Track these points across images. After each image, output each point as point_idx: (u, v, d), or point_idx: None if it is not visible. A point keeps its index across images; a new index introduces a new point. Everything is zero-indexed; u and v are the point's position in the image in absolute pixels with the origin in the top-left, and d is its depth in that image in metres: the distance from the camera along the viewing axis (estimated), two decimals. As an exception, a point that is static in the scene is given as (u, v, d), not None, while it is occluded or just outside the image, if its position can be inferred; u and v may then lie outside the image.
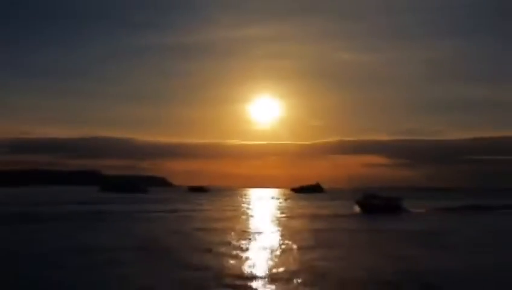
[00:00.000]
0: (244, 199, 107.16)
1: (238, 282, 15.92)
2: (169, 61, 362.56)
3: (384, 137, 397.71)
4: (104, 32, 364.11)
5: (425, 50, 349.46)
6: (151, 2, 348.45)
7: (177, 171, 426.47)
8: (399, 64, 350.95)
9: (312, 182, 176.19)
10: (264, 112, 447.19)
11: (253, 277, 16.79)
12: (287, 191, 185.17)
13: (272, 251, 23.08)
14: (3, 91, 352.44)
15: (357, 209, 56.98)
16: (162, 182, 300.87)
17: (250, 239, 28.25)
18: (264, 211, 61.24)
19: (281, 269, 18.21)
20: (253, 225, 39.73)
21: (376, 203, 57.42)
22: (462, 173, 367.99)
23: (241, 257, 21.31)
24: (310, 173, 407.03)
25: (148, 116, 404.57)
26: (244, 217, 49.75)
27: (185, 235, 30.39)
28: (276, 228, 36.21)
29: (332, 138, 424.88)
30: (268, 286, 15.59)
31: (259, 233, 32.09)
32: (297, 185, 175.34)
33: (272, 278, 16.67)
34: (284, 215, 52.99)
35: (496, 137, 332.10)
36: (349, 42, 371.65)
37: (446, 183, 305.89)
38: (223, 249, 23.35)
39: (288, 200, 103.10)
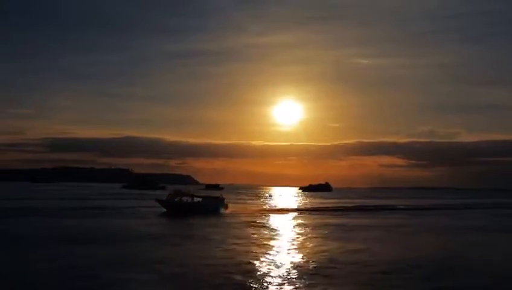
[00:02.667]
0: (243, 197, 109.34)
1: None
2: (198, 66, 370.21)
3: (401, 139, 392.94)
4: (138, 38, 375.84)
5: (441, 55, 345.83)
6: (183, 10, 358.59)
7: (203, 169, 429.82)
8: (415, 68, 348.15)
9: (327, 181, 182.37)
10: (287, 114, 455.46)
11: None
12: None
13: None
14: (45, 93, 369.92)
15: (163, 209, 49.44)
16: (188, 180, 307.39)
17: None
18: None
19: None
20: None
21: (183, 203, 49.78)
22: (477, 174, 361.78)
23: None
24: (328, 173, 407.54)
25: (177, 117, 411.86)
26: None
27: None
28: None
29: (351, 140, 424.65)
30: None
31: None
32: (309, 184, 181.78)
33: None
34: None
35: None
36: (366, 48, 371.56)
37: (461, 184, 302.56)
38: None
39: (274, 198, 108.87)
